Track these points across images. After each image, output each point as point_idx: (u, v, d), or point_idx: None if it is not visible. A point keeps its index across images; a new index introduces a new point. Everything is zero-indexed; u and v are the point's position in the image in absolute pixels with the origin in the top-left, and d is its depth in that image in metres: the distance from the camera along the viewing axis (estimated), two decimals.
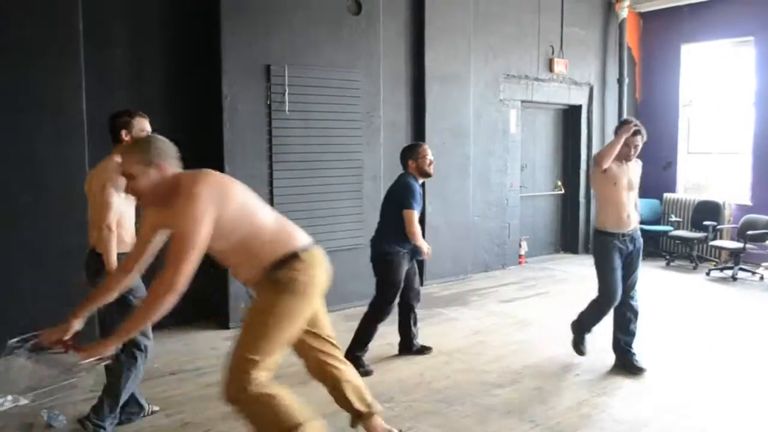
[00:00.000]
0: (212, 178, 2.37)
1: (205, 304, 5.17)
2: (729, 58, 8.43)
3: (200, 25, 5.25)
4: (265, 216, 2.50)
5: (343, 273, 6.00)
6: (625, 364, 4.23)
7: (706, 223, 7.77)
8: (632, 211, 4.21)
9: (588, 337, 4.41)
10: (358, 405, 2.89)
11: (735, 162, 8.41)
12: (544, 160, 8.65)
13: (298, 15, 5.47)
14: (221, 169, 5.13)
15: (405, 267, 4.33)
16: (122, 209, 3.14)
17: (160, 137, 2.47)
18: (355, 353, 4.22)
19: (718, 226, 7.85)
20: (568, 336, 4.45)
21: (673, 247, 8.54)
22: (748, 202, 8.00)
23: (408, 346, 4.60)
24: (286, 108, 5.41)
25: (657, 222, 8.69)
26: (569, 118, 8.77)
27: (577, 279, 7.20)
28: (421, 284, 4.94)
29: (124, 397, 3.24)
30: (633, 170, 4.24)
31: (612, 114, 8.84)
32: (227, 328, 5.19)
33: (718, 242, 7.73)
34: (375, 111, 6.04)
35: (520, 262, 8.05)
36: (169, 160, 2.39)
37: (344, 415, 2.96)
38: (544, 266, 8.01)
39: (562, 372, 4.27)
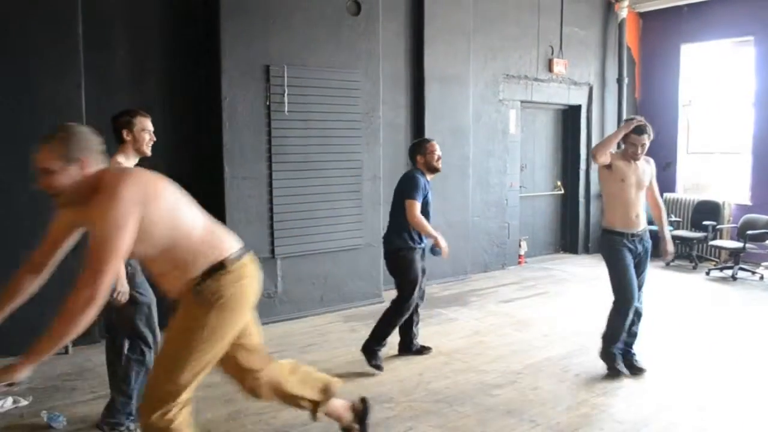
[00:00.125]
0: (138, 176, 2.15)
1: None
2: (729, 58, 8.43)
3: (199, 25, 5.25)
4: (194, 220, 2.27)
5: (342, 273, 6.06)
6: (625, 364, 4.23)
7: (705, 222, 7.78)
8: (641, 212, 4.13)
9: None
10: (312, 394, 2.71)
11: (735, 162, 8.41)
12: (543, 161, 8.65)
13: (297, 15, 5.47)
14: (221, 170, 5.14)
15: (418, 262, 4.32)
16: None
17: (83, 128, 2.20)
18: (372, 347, 4.25)
19: (718, 226, 7.86)
20: (568, 336, 4.44)
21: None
22: (748, 202, 8.01)
23: (408, 347, 4.60)
24: (286, 108, 5.41)
25: None
26: (569, 118, 8.77)
27: (576, 279, 7.21)
28: None
29: (136, 394, 3.23)
30: (643, 169, 4.14)
31: (611, 114, 8.85)
32: None
33: (717, 242, 7.74)
34: (374, 111, 6.04)
35: (519, 263, 8.06)
36: (93, 155, 2.13)
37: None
38: (544, 266, 8.01)
39: (562, 372, 4.26)
